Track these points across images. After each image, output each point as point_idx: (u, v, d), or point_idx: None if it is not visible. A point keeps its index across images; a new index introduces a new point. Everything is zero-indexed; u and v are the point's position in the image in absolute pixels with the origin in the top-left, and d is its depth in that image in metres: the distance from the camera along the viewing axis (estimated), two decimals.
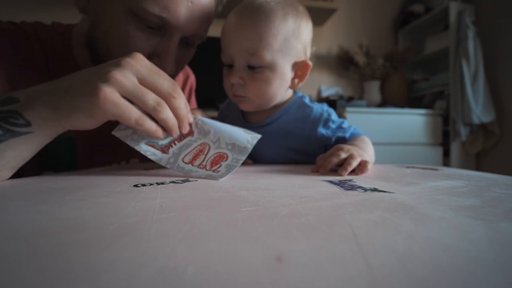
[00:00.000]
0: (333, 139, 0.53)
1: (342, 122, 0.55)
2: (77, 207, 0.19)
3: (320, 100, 2.17)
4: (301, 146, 0.55)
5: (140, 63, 0.35)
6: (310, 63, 0.51)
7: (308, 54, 0.53)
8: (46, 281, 0.09)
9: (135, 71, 0.34)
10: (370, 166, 0.39)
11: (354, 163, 0.38)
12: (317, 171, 0.39)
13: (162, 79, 0.36)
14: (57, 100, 0.33)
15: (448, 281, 0.09)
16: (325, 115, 0.54)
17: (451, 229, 0.15)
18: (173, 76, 0.52)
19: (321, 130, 0.53)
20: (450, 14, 1.87)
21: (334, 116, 0.55)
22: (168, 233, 0.14)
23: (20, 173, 0.48)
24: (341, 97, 2.06)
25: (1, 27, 0.47)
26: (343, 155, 0.40)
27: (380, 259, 0.11)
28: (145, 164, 0.53)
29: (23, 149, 0.33)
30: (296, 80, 0.52)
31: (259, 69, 0.46)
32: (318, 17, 2.10)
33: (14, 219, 0.16)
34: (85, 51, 0.49)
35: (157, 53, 0.45)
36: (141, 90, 0.33)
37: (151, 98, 0.34)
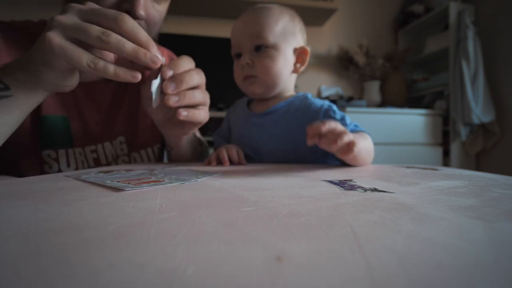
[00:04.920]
0: None
1: (344, 116, 0.56)
2: (77, 207, 0.19)
3: None
4: (302, 137, 0.55)
5: (82, 5, 0.35)
6: (308, 49, 0.59)
7: (304, 45, 0.60)
8: (46, 281, 0.09)
9: (78, 11, 0.34)
10: (363, 156, 0.42)
11: (346, 138, 0.36)
12: (316, 139, 0.37)
13: (106, 10, 0.35)
14: (26, 62, 0.35)
15: (448, 281, 0.09)
16: (326, 106, 0.56)
17: (451, 229, 0.15)
18: (149, 32, 0.52)
19: (323, 119, 0.54)
20: (450, 14, 1.88)
21: (335, 108, 0.57)
22: (168, 233, 0.14)
23: (20, 154, 0.50)
24: (341, 97, 2.06)
25: None
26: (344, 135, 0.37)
27: (380, 259, 0.11)
28: (146, 165, 0.54)
29: (4, 112, 0.35)
30: (298, 65, 0.59)
31: (264, 50, 0.55)
32: (318, 17, 2.10)
33: (15, 219, 0.16)
34: None
35: None
36: (82, 24, 0.33)
37: (94, 29, 0.33)
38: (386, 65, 2.17)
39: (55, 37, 0.32)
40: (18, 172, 0.53)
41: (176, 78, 0.40)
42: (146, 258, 0.11)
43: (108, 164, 0.60)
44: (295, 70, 0.59)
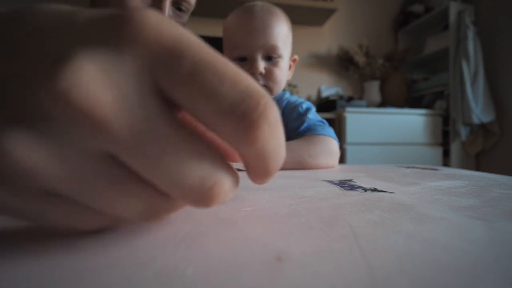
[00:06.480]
0: (294, 123, 0.56)
1: (308, 111, 0.57)
2: None
3: (320, 100, 2.17)
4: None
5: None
6: (297, 57, 0.63)
7: None
8: (46, 281, 0.09)
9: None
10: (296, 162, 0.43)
11: None
12: None
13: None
14: None
15: (448, 281, 0.09)
16: (297, 102, 0.60)
17: (451, 229, 0.15)
18: None
19: (293, 114, 0.58)
20: (450, 14, 1.88)
21: (306, 105, 0.59)
22: (168, 233, 0.14)
23: None
24: (341, 97, 2.06)
25: None
26: None
27: (380, 259, 0.11)
28: None
29: None
30: (289, 72, 0.62)
31: (275, 59, 0.55)
32: (318, 17, 2.10)
33: (14, 219, 0.16)
34: None
35: None
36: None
37: None
38: (386, 65, 2.17)
39: None
40: None
41: None
42: (146, 258, 0.11)
43: None
44: (287, 78, 0.63)
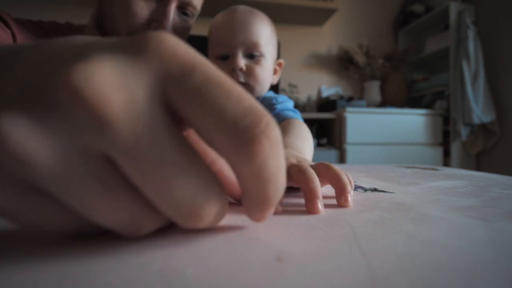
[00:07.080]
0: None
1: (283, 101, 0.59)
2: None
3: (320, 100, 2.17)
4: None
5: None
6: (283, 61, 0.63)
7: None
8: (46, 282, 0.09)
9: None
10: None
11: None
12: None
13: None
14: None
15: (448, 281, 0.09)
16: (273, 95, 0.62)
17: (451, 229, 0.15)
18: None
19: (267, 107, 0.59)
20: (450, 14, 1.88)
21: (282, 98, 0.61)
22: (168, 233, 0.14)
23: None
24: (341, 97, 2.06)
25: (23, 24, 0.51)
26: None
27: (380, 259, 0.11)
28: None
29: None
30: (275, 76, 0.63)
31: (257, 58, 0.55)
32: (318, 17, 2.10)
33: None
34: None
35: (156, 18, 0.49)
36: None
37: None
38: (386, 65, 2.17)
39: None
40: None
41: None
42: (146, 258, 0.11)
43: None
44: (272, 80, 0.63)
